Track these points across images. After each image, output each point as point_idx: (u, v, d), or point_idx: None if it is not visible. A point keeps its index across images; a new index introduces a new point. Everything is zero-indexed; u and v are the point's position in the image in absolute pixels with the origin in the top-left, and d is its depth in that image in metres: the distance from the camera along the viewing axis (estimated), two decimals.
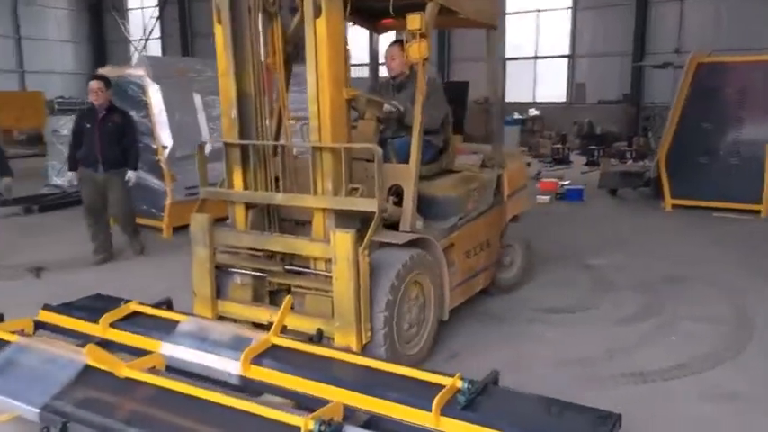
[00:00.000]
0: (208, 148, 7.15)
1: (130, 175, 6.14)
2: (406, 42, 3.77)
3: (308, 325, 3.52)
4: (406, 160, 3.84)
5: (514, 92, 20.43)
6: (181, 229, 7.47)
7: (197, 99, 7.59)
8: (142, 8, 31.02)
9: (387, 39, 5.06)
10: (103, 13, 32.07)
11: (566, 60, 19.45)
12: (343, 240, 3.30)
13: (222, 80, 3.70)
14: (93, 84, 5.96)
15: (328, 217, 3.58)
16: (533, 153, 16.28)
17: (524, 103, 19.66)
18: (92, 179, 6.11)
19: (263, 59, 3.77)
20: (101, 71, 7.75)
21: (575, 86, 19.38)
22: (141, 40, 30.31)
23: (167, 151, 7.23)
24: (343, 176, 3.55)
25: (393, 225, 3.72)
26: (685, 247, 6.91)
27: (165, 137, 7.25)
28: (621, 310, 4.91)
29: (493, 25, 4.98)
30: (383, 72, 4.93)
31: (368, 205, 3.46)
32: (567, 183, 10.75)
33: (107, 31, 32.00)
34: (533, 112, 19.01)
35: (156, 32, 30.03)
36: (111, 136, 5.97)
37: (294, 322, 3.54)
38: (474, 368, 3.79)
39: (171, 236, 7.42)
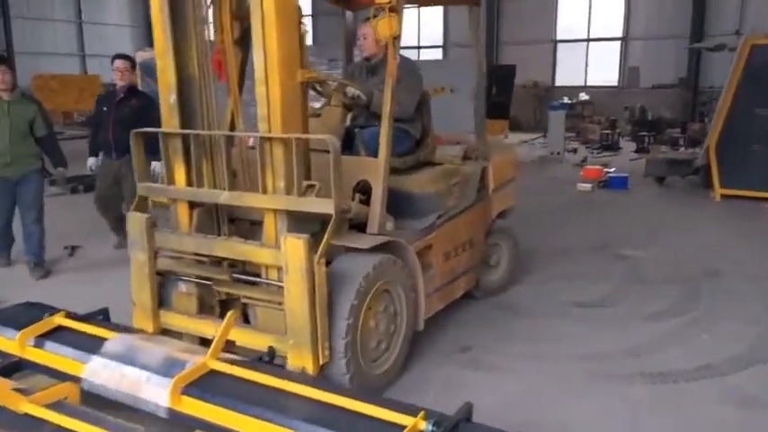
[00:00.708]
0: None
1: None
2: (374, 18, 3.49)
3: (260, 342, 3.06)
4: (376, 153, 3.47)
5: (565, 75, 19.94)
6: None
7: None
8: None
9: None
10: None
11: (618, 43, 18.80)
12: (294, 247, 2.81)
13: (160, 61, 3.21)
14: (119, 63, 5.69)
15: (280, 219, 3.11)
16: (582, 139, 15.88)
17: (575, 87, 19.14)
18: (107, 166, 5.87)
19: (212, 38, 3.38)
20: (138, 54, 7.90)
21: (628, 70, 18.73)
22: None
23: None
24: (296, 172, 3.06)
25: (361, 226, 3.34)
26: (730, 240, 6.60)
27: None
28: (652, 305, 4.73)
29: (474, 1, 4.63)
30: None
31: (323, 206, 2.98)
32: (612, 170, 10.43)
33: None
34: (583, 96, 18.47)
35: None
36: (126, 121, 5.33)
37: (244, 338, 3.12)
38: (484, 363, 3.76)
39: None
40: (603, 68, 19.16)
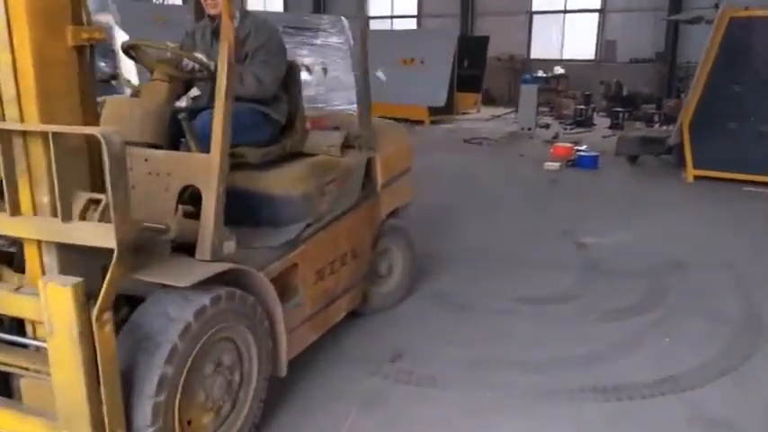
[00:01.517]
0: None
1: None
2: None
3: (26, 427, 2.15)
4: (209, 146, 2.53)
5: (540, 48, 19.32)
6: None
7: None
8: None
9: None
10: None
11: (596, 15, 18.20)
12: (57, 296, 1.91)
13: None
14: None
15: (47, 252, 2.10)
16: (555, 114, 15.37)
17: (550, 61, 18.53)
18: None
19: None
20: None
21: (604, 43, 18.16)
22: None
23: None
24: (57, 182, 2.00)
25: (191, 247, 2.41)
26: (701, 227, 6.13)
27: (129, 88, 6.68)
28: (612, 301, 4.24)
29: None
30: None
31: (97, 235, 1.99)
32: (583, 148, 9.94)
33: None
34: (558, 70, 17.91)
35: None
36: None
37: (8, 422, 2.17)
38: (416, 374, 3.24)
39: None
40: (580, 41, 18.58)
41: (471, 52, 15.75)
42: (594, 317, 4.00)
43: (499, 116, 15.35)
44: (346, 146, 3.55)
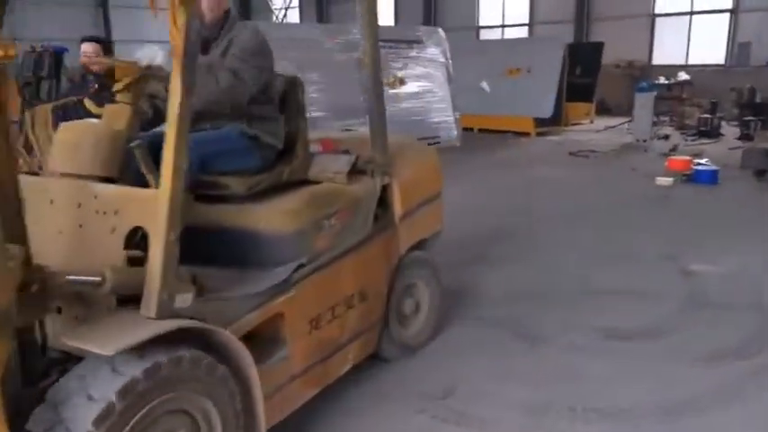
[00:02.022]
0: None
1: None
2: None
3: None
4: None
5: (663, 53, 18.03)
6: None
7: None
8: None
9: None
10: None
11: (727, 16, 16.69)
12: None
13: None
14: (87, 46, 4.75)
15: None
16: (677, 124, 14.22)
17: (673, 66, 17.22)
18: None
19: None
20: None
21: (737, 46, 16.61)
22: (282, 8, 31.00)
23: None
24: None
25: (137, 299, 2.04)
26: None
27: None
28: (713, 341, 3.69)
29: None
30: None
31: None
32: (704, 161, 9.03)
33: (253, 2, 33.01)
34: (683, 76, 16.58)
35: (296, 2, 30.53)
36: None
37: None
38: (467, 415, 2.94)
39: None
40: (708, 45, 17.12)
41: (584, 59, 14.98)
42: (689, 358, 3.48)
43: (613, 127, 14.43)
44: (358, 171, 3.10)
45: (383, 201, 3.26)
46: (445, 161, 9.68)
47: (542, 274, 4.81)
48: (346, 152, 3.20)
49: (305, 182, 2.97)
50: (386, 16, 25.50)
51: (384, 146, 3.27)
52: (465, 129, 14.40)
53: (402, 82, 8.46)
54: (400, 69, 8.47)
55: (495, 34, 21.78)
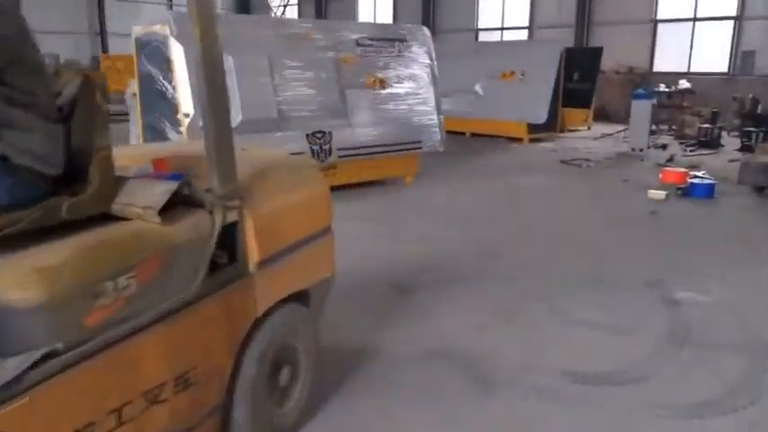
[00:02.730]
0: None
1: None
2: None
3: None
4: None
5: (664, 60, 17.55)
6: None
7: (228, 60, 6.63)
8: None
9: None
10: None
11: (731, 23, 16.19)
12: None
13: None
14: None
15: None
16: (676, 133, 13.74)
17: (675, 74, 16.74)
18: None
19: None
20: (134, 29, 7.06)
21: (740, 55, 16.11)
22: (280, 6, 30.59)
23: (188, 120, 6.36)
24: None
25: None
26: None
27: (186, 104, 6.38)
28: (695, 387, 3.22)
29: None
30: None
31: None
32: (701, 173, 8.55)
33: (252, 1, 32.64)
34: (684, 84, 16.09)
35: (295, 0, 30.13)
36: None
37: None
38: None
39: None
40: (711, 52, 16.63)
41: (583, 64, 14.50)
42: (664, 410, 3.01)
43: (610, 134, 13.96)
44: (186, 201, 2.23)
45: (225, 244, 2.34)
46: (426, 167, 9.33)
47: (505, 302, 4.33)
48: (188, 173, 2.28)
49: (108, 218, 2.08)
50: (384, 17, 25.04)
51: (228, 168, 2.35)
52: (457, 133, 13.93)
53: (383, 83, 7.98)
54: (381, 69, 7.98)
55: (494, 37, 21.31)
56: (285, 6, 30.71)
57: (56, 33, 23.27)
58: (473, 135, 13.80)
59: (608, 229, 6.30)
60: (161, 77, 6.64)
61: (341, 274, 3.26)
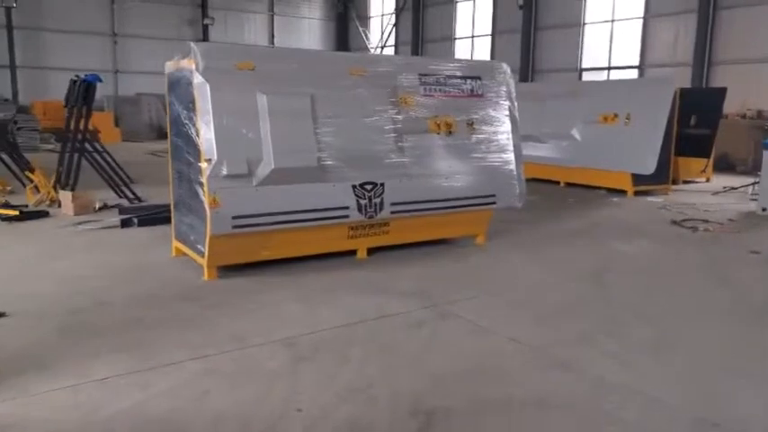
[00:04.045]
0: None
1: None
2: None
3: None
4: None
5: None
6: (233, 268, 5.83)
7: (261, 99, 5.70)
8: (382, 15, 31.14)
9: None
10: (348, 22, 33.05)
11: None
12: None
13: None
14: None
15: None
16: None
17: None
18: None
19: None
20: (167, 65, 6.33)
21: None
22: (378, 47, 30.43)
23: (210, 167, 5.45)
24: None
25: None
26: None
27: (209, 147, 5.49)
28: None
29: None
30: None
31: None
32: None
33: (351, 39, 32.87)
34: None
35: (392, 40, 29.88)
36: None
37: None
38: None
39: (215, 278, 5.66)
40: None
41: (701, 107, 12.60)
42: None
43: (735, 189, 11.92)
44: None
45: None
46: (509, 222, 7.92)
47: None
48: None
49: None
50: (482, 57, 24.01)
51: None
52: (550, 182, 12.48)
53: (450, 127, 6.79)
54: (448, 111, 6.81)
55: (600, 78, 19.63)
56: (382, 48, 30.50)
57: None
58: (568, 185, 12.27)
59: (727, 331, 4.66)
60: (186, 118, 5.83)
61: None
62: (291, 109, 5.88)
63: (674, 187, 12.06)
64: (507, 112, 7.30)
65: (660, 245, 7.45)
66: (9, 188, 10.48)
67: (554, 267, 6.32)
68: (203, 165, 5.52)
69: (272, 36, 31.67)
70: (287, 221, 5.83)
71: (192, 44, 5.61)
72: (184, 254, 6.20)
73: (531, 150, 12.61)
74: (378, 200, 6.31)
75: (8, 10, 24.64)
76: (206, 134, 5.53)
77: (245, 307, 4.90)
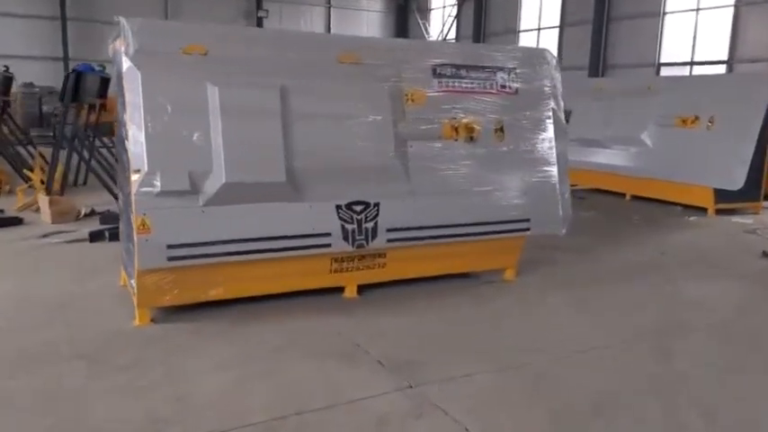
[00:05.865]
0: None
1: None
2: None
3: None
4: None
5: None
6: (181, 308, 4.57)
7: (213, 93, 4.35)
8: (443, 7, 29.63)
9: None
10: (408, 15, 31.80)
11: None
12: None
13: None
14: None
15: None
16: None
17: None
18: None
19: None
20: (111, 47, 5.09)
21: None
22: (438, 39, 28.94)
23: (139, 179, 4.16)
24: None
25: None
26: None
27: (137, 154, 4.19)
28: None
29: None
30: None
31: None
32: None
33: (411, 31, 31.59)
34: None
35: (453, 33, 28.34)
36: None
37: None
38: None
39: (147, 323, 4.39)
40: None
41: None
42: None
43: None
44: None
45: None
46: (553, 248, 6.26)
47: None
48: None
49: None
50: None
51: None
52: (614, 193, 10.72)
53: (471, 132, 5.26)
54: (469, 112, 5.28)
55: (682, 73, 17.40)
56: (444, 40, 28.94)
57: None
58: (635, 198, 10.43)
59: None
60: (120, 116, 4.58)
61: None
62: (253, 105, 4.50)
63: (765, 204, 10.02)
64: (550, 114, 5.69)
65: (749, 286, 5.68)
66: (8, 187, 9.69)
67: (603, 321, 4.70)
68: (133, 177, 4.24)
69: (329, 30, 30.63)
70: (244, 251, 4.46)
71: (123, 19, 4.32)
72: None
73: (592, 156, 10.92)
74: (370, 224, 4.87)
75: (62, 1, 24.51)
76: (136, 136, 4.25)
77: (150, 377, 3.57)
